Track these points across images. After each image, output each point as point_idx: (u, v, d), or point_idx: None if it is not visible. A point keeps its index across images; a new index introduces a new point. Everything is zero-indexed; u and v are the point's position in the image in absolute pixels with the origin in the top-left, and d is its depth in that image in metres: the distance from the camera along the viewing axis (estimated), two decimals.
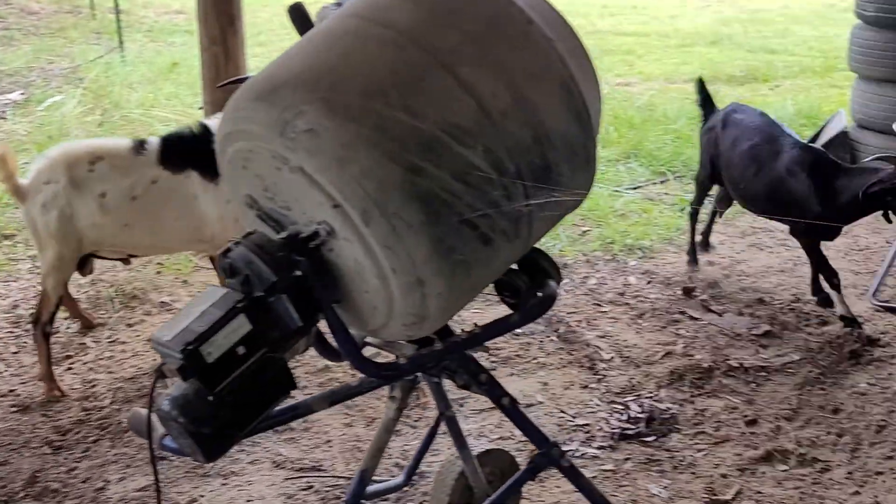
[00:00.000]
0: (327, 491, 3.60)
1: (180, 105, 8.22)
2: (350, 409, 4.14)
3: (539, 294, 2.45)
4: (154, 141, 4.22)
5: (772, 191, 4.65)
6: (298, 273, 2.14)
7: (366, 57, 2.11)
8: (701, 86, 5.37)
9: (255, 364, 2.11)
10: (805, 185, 4.49)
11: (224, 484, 3.65)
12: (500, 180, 2.10)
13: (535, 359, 4.45)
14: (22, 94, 8.51)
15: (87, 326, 4.75)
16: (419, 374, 2.63)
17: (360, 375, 2.42)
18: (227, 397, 2.07)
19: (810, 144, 4.92)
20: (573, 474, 2.73)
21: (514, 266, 2.48)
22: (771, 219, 5.03)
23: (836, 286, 4.63)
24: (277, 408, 2.24)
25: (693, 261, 5.35)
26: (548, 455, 2.65)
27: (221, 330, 2.06)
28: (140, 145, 4.19)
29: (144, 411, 2.48)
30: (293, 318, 2.15)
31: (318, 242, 2.16)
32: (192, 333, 2.04)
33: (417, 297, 2.12)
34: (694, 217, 5.36)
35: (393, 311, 2.19)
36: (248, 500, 3.52)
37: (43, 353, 4.21)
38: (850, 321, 4.56)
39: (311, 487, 3.62)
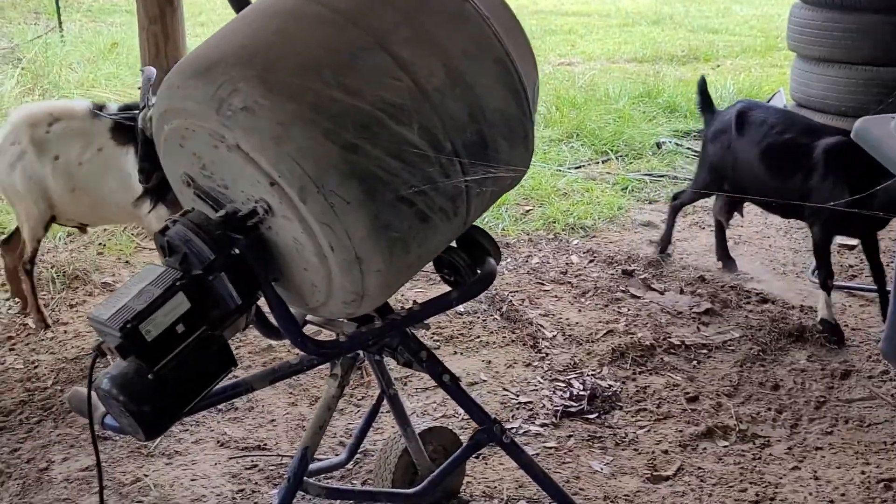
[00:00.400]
0: (272, 469, 3.60)
1: (120, 85, 8.10)
2: (294, 388, 4.15)
3: (478, 271, 2.49)
4: (112, 107, 4.20)
5: (809, 183, 4.38)
6: (237, 251, 2.15)
7: (302, 35, 2.12)
8: (703, 87, 5.16)
9: (194, 342, 2.12)
10: (848, 176, 4.22)
11: (168, 463, 3.65)
12: (436, 157, 2.12)
13: (478, 337, 4.49)
14: None
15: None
16: (361, 352, 2.65)
17: (302, 353, 2.43)
18: (167, 375, 2.07)
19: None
20: (514, 451, 2.77)
21: (454, 244, 2.51)
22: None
23: (828, 288, 4.44)
24: (218, 386, 2.25)
25: (664, 250, 5.30)
26: (488, 431, 2.69)
27: (160, 308, 2.07)
28: (98, 109, 4.18)
29: (85, 390, 2.47)
30: (232, 297, 2.16)
31: (257, 220, 2.17)
32: (131, 311, 2.05)
33: (356, 275, 2.14)
34: (674, 212, 5.30)
35: (332, 288, 2.21)
36: (193, 479, 3.52)
37: (28, 289, 4.46)
38: (830, 327, 4.40)
39: (255, 466, 3.63)
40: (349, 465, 3.41)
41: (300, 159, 2.01)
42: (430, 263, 2.51)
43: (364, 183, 2.04)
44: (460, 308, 4.60)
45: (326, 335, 2.68)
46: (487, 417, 2.70)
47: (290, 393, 4.12)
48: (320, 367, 2.82)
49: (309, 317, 2.57)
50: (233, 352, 2.21)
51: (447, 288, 2.58)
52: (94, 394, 2.49)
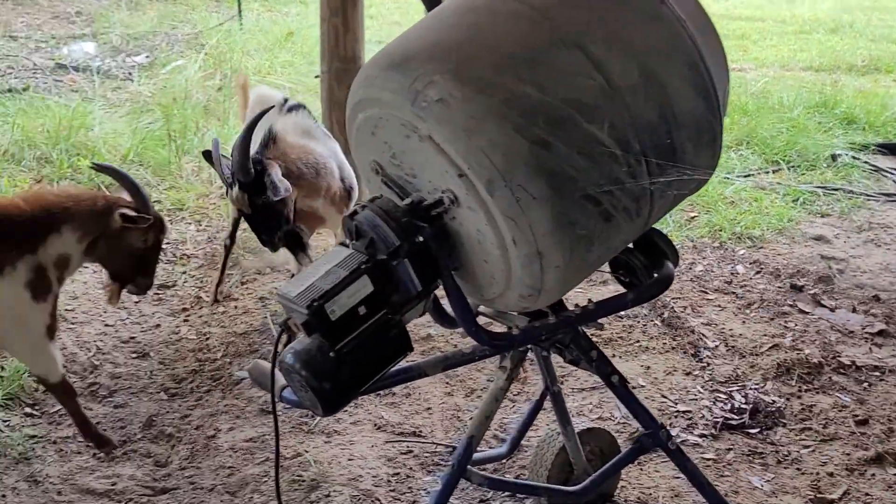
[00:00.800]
0: (426, 456, 3.67)
1: (295, 73, 8.38)
2: (451, 378, 4.21)
3: (655, 275, 2.46)
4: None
5: None
6: (421, 239, 2.20)
7: (497, 31, 2.15)
8: None
9: (375, 324, 2.18)
10: None
11: (327, 442, 3.77)
12: (624, 157, 2.11)
13: (637, 342, 4.44)
14: (147, 57, 8.79)
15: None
16: (529, 346, 2.67)
17: (469, 343, 2.46)
18: (347, 355, 2.14)
19: None
20: (680, 457, 2.73)
21: (630, 245, 2.50)
22: None
23: None
24: (393, 369, 2.30)
25: None
26: (654, 436, 2.66)
27: (345, 289, 2.14)
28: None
29: (266, 363, 2.58)
30: (414, 283, 2.21)
31: (442, 210, 2.22)
32: (318, 290, 2.12)
33: (536, 270, 2.16)
34: None
35: (511, 281, 2.23)
36: (350, 459, 3.62)
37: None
38: None
39: (410, 452, 3.71)
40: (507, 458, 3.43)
41: (490, 152, 2.04)
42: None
43: (552, 179, 2.05)
44: (628, 309, 4.56)
45: (496, 327, 2.70)
46: (654, 422, 2.67)
47: (447, 383, 4.19)
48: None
49: (482, 308, 2.60)
50: (410, 337, 2.26)
51: (604, 290, 2.56)
52: (267, 366, 2.61)
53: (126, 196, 3.60)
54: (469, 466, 2.55)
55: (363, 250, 2.20)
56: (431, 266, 2.22)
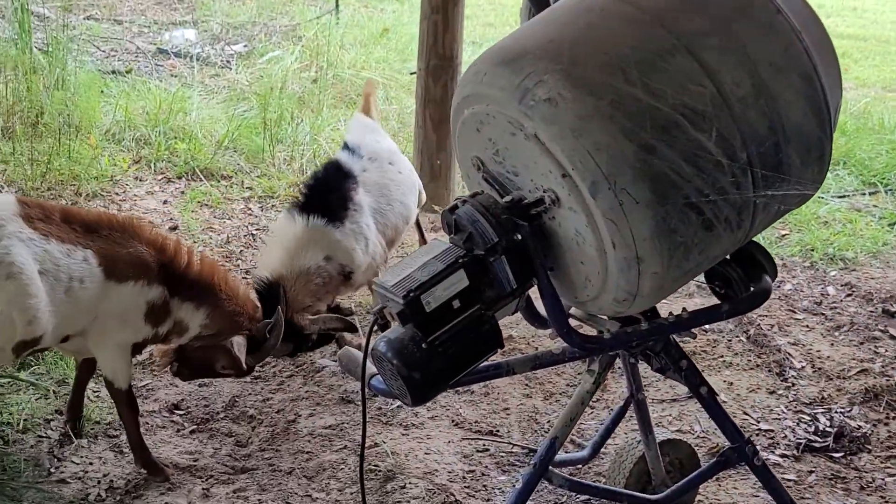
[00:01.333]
0: (502, 456, 3.68)
1: (389, 70, 8.45)
2: (530, 380, 4.21)
3: (752, 288, 2.44)
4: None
5: None
6: (519, 237, 2.21)
7: (609, 33, 2.15)
8: None
9: (468, 319, 2.20)
10: None
11: (404, 434, 3.80)
12: (730, 167, 2.10)
13: (721, 357, 4.39)
14: (245, 46, 8.96)
15: None
16: (618, 351, 2.66)
17: (564, 345, 2.46)
18: (439, 347, 2.17)
19: None
20: (765, 474, 2.69)
21: (728, 257, 2.47)
22: None
23: None
24: (482, 364, 2.32)
25: None
26: (740, 451, 2.63)
27: (442, 282, 2.16)
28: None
29: (356, 351, 2.62)
30: (509, 280, 2.22)
31: (542, 209, 2.23)
32: (415, 281, 2.15)
33: (633, 274, 2.15)
34: None
35: (607, 284, 2.23)
36: (427, 453, 3.65)
37: None
38: None
39: (486, 450, 3.72)
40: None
41: (596, 154, 2.04)
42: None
43: (656, 184, 2.05)
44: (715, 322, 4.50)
45: (586, 330, 2.70)
46: (741, 436, 2.64)
47: (526, 385, 4.19)
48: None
49: (572, 310, 2.60)
50: (501, 334, 2.27)
51: (688, 302, 2.54)
52: (356, 353, 2.64)
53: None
54: (551, 467, 2.55)
55: (461, 244, 2.22)
56: (527, 265, 2.23)
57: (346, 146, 4.39)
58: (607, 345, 2.44)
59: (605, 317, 2.53)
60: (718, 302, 2.53)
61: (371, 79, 5.37)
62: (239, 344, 3.58)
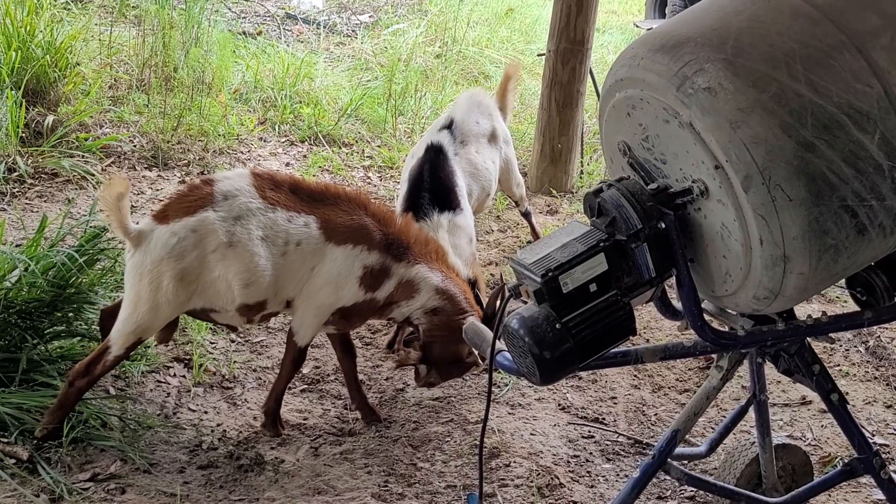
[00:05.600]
0: (607, 444, 3.66)
1: (512, 50, 8.43)
2: (640, 372, 4.18)
3: None
4: None
5: None
6: (662, 226, 2.18)
7: (776, 25, 2.10)
8: None
9: (603, 303, 2.19)
10: None
11: (510, 413, 3.81)
12: (891, 172, 2.04)
13: (837, 366, 4.27)
14: (371, 17, 9.05)
15: None
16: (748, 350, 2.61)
17: (696, 338, 2.43)
18: (572, 329, 2.16)
19: None
20: (891, 489, 2.61)
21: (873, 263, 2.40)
22: None
23: None
24: (612, 350, 2.30)
25: None
26: (866, 462, 2.56)
27: (581, 264, 2.15)
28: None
29: (481, 325, 2.64)
30: (648, 268, 2.20)
31: (688, 199, 2.19)
32: (555, 261, 2.15)
33: (777, 273, 2.11)
34: None
35: (747, 281, 2.19)
36: (532, 434, 3.65)
37: None
38: None
39: (591, 437, 3.71)
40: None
41: (752, 147, 2.00)
42: None
43: (812, 183, 2.00)
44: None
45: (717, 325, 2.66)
46: (869, 448, 2.57)
47: (635, 376, 4.16)
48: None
49: (704, 304, 2.56)
50: (636, 321, 2.25)
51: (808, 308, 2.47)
52: (483, 327, 2.66)
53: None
54: (670, 460, 2.53)
55: (603, 228, 2.21)
56: (667, 254, 2.20)
57: (448, 125, 4.45)
58: (741, 342, 2.39)
59: (737, 313, 2.48)
60: (859, 309, 2.46)
61: (515, 62, 5.36)
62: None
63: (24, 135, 5.24)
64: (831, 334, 2.50)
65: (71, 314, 3.66)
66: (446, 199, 4.14)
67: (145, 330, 3.23)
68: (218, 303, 3.26)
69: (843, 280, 2.46)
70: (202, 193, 3.22)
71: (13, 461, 3.07)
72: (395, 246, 3.43)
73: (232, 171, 3.45)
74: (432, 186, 4.14)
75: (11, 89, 5.19)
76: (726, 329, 2.49)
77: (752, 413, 2.91)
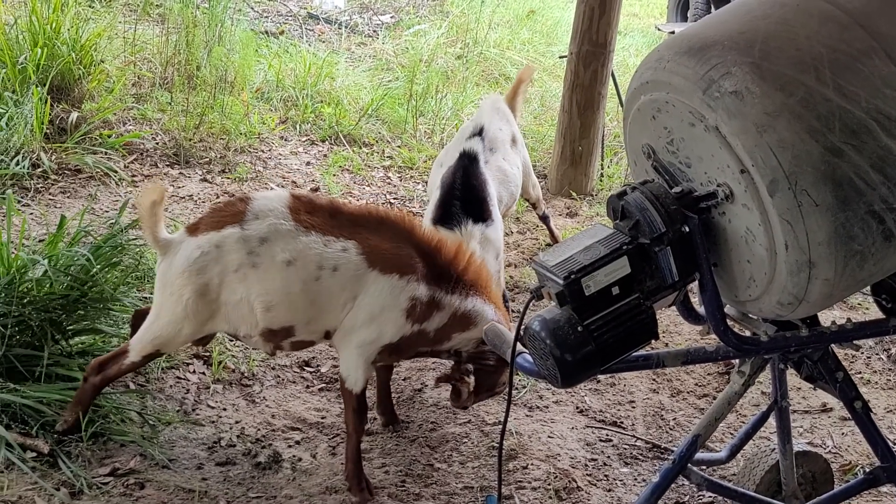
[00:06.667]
0: (625, 448, 3.65)
1: (533, 52, 8.43)
2: (658, 376, 4.16)
3: None
4: None
5: None
6: (686, 229, 2.18)
7: (804, 29, 2.09)
8: None
9: (625, 306, 2.18)
10: None
11: (528, 415, 3.81)
12: None
13: (859, 373, 4.25)
14: (392, 17, 9.07)
15: None
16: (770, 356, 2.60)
17: (718, 343, 2.42)
18: (594, 332, 2.15)
19: None
20: None
21: None
22: None
23: None
24: (633, 354, 2.30)
25: None
26: (889, 471, 2.54)
27: (604, 267, 2.15)
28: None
29: (502, 327, 2.64)
30: (672, 272, 2.20)
31: (712, 203, 2.18)
32: (578, 264, 2.14)
33: (802, 279, 2.10)
34: None
35: (772, 287, 2.18)
36: (550, 437, 3.65)
37: None
38: None
39: (609, 441, 3.69)
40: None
41: (779, 152, 1.99)
42: None
43: (839, 189, 1.99)
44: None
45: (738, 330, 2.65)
46: (892, 456, 2.55)
47: (653, 380, 4.14)
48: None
49: (726, 308, 2.55)
50: (657, 325, 2.25)
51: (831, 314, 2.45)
52: (504, 329, 2.65)
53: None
54: (690, 465, 2.52)
55: (626, 231, 2.20)
56: (692, 258, 2.20)
57: (479, 132, 4.39)
58: (764, 347, 2.38)
59: (759, 319, 2.47)
60: (885, 316, 2.44)
61: (530, 65, 5.35)
62: None
63: (48, 131, 5.27)
64: (855, 342, 2.48)
65: (93, 312, 3.68)
66: (479, 210, 4.06)
67: (165, 343, 3.15)
68: (242, 327, 3.12)
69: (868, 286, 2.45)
70: (235, 210, 3.11)
71: (34, 454, 3.09)
72: (446, 276, 3.21)
73: (272, 191, 3.28)
74: (465, 195, 4.06)
75: (37, 86, 5.22)
76: (749, 334, 2.48)
77: (771, 419, 2.90)
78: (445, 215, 4.01)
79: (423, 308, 3.15)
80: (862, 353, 4.40)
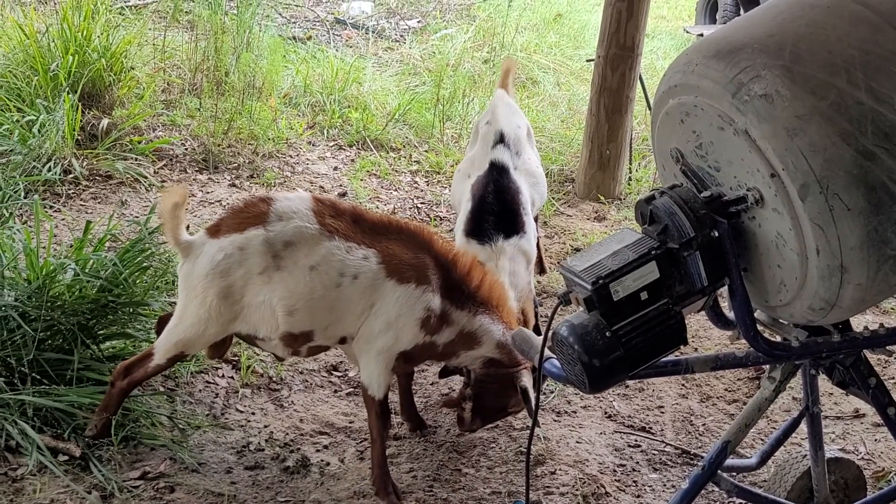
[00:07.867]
0: (654, 454, 3.63)
1: (560, 55, 8.41)
2: (687, 381, 4.14)
3: None
4: None
5: None
6: (716, 234, 2.16)
7: (836, 32, 2.06)
8: None
9: (654, 311, 2.16)
10: None
11: (556, 420, 3.79)
12: None
13: (892, 379, 4.20)
14: (419, 22, 9.08)
15: None
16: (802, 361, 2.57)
17: (749, 348, 2.40)
18: (623, 337, 2.14)
19: None
20: None
21: None
22: None
23: None
24: (662, 360, 2.28)
25: None
26: None
27: (632, 272, 2.13)
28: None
29: (529, 332, 2.63)
30: (701, 277, 2.18)
31: (742, 208, 2.17)
32: (606, 269, 2.13)
33: (834, 283, 2.08)
34: None
35: (803, 292, 2.16)
36: (578, 442, 3.63)
37: None
38: None
39: (638, 446, 3.67)
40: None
41: (810, 156, 1.97)
42: None
43: (871, 193, 1.96)
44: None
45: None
46: None
47: (683, 385, 4.12)
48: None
49: (756, 313, 2.53)
50: (687, 330, 2.23)
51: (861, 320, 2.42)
52: (531, 334, 2.64)
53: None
54: (720, 471, 2.50)
55: (655, 236, 2.19)
56: (721, 263, 2.18)
57: (501, 138, 4.32)
58: (795, 353, 2.36)
59: (790, 324, 2.45)
60: None
61: (511, 56, 5.34)
62: (526, 383, 3.34)
63: (79, 137, 5.33)
64: (888, 347, 2.45)
65: (123, 316, 3.71)
66: (512, 223, 4.03)
67: (189, 344, 3.15)
68: (262, 329, 3.11)
69: None
70: (257, 211, 3.10)
71: (66, 458, 3.12)
72: (458, 292, 3.23)
73: (293, 192, 3.31)
74: (498, 209, 4.02)
75: (68, 93, 5.27)
76: (779, 339, 2.46)
77: (803, 425, 2.87)
78: (477, 229, 4.00)
79: (435, 320, 3.18)
80: (893, 360, 4.35)
